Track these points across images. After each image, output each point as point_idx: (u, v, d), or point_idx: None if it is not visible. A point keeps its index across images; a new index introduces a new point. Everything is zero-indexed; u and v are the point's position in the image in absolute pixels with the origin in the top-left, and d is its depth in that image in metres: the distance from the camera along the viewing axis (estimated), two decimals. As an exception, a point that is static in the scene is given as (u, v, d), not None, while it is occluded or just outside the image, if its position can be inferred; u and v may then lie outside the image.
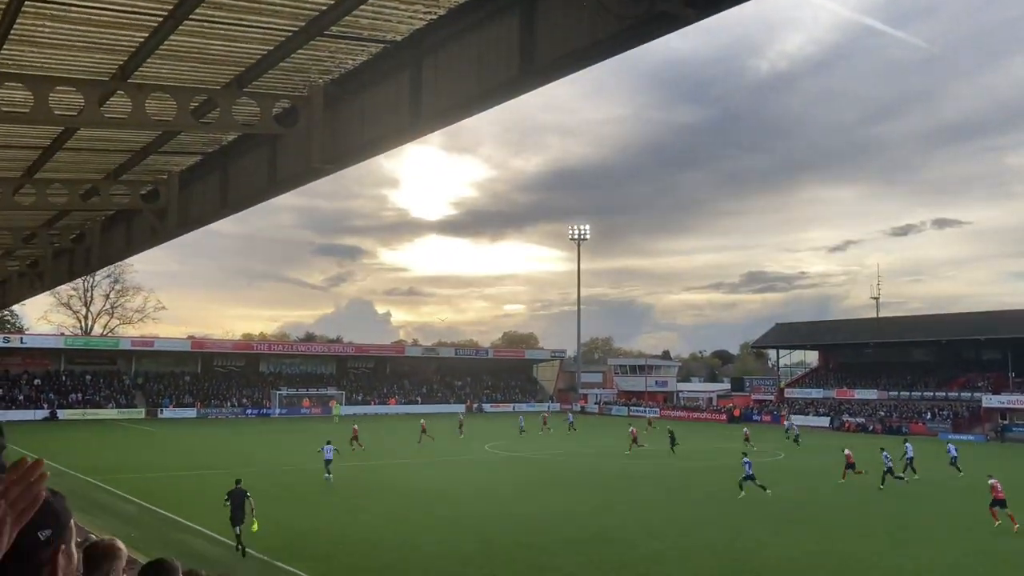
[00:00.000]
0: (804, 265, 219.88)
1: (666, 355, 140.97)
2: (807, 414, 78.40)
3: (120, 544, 3.00)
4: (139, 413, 75.29)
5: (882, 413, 74.04)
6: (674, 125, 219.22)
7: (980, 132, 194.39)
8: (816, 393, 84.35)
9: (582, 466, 40.74)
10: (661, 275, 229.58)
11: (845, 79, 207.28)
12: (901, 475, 34.74)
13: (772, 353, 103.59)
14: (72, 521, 1.94)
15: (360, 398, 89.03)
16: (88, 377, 79.46)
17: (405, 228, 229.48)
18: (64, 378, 78.48)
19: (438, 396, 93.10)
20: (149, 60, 7.61)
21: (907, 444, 37.54)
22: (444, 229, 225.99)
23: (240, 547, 20.18)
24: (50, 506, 1.86)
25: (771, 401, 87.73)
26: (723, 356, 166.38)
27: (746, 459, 32.21)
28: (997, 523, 24.41)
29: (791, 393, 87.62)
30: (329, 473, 33.44)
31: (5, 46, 7.11)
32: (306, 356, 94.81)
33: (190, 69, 7.99)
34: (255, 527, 21.13)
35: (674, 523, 25.21)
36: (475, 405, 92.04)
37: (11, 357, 77.45)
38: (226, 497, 21.13)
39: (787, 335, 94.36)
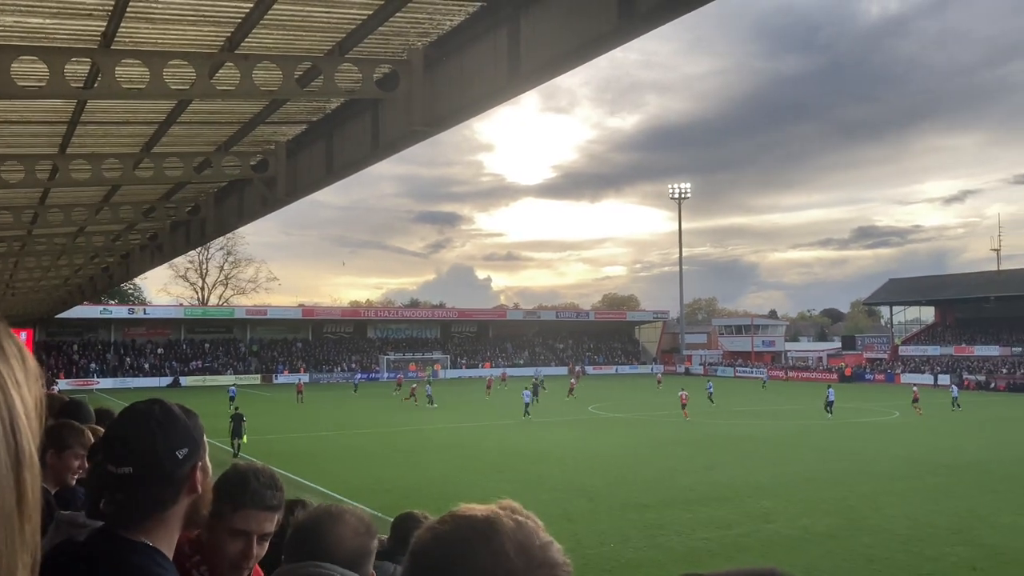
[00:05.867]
0: (918, 218, 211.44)
1: (772, 315, 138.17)
2: (922, 372, 75.61)
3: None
4: (255, 379, 78.63)
5: (1004, 370, 70.73)
6: (779, 76, 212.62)
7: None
8: (933, 350, 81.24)
9: (684, 427, 40.46)
10: (766, 233, 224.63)
11: (964, 17, 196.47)
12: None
13: (885, 310, 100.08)
14: (205, 437, 2.09)
15: (464, 361, 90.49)
16: (207, 345, 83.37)
17: (502, 193, 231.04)
18: (185, 346, 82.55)
19: (541, 359, 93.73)
20: (255, 30, 7.82)
21: (829, 389, 45.62)
22: (541, 192, 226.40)
23: (236, 453, 28.46)
24: (183, 423, 2.00)
25: (884, 360, 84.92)
26: (833, 315, 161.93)
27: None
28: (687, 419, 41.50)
29: (906, 351, 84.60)
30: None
31: (123, 24, 7.42)
32: (412, 321, 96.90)
33: (294, 37, 8.18)
34: (245, 439, 30.17)
35: (782, 482, 24.82)
36: (577, 367, 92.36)
37: (136, 327, 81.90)
38: (230, 420, 30.64)
39: (901, 291, 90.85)
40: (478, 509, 1.16)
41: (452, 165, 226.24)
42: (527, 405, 44.04)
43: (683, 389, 47.25)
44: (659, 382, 70.08)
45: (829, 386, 47.91)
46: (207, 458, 2.07)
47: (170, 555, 1.94)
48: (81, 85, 8.52)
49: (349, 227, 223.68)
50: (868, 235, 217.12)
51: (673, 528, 19.10)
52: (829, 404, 43.97)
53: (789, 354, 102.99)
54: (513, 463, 28.72)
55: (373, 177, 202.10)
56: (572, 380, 66.33)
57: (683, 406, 44.13)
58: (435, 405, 49.82)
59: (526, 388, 47.61)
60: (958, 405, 46.43)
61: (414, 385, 55.59)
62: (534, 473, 26.58)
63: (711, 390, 53.28)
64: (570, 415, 45.95)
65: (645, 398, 56.54)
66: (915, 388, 48.48)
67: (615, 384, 75.09)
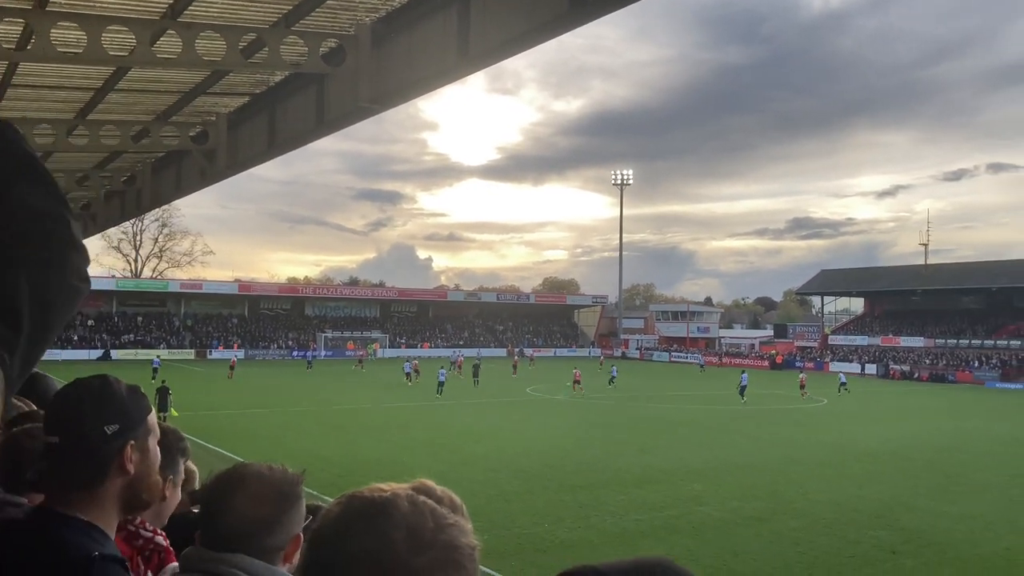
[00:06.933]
0: (852, 211, 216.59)
1: (708, 302, 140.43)
2: (850, 361, 77.75)
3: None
4: (188, 353, 77.10)
5: (928, 361, 73.16)
6: (722, 66, 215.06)
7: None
8: (861, 340, 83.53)
9: (619, 410, 40.99)
10: (704, 221, 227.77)
11: (902, 17, 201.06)
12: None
13: (816, 300, 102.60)
14: (150, 418, 1.99)
15: (403, 341, 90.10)
16: (139, 318, 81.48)
17: (446, 172, 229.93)
18: (116, 319, 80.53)
19: (480, 340, 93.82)
20: (199, -2, 7.65)
21: (743, 374, 47.65)
22: (485, 174, 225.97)
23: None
24: (119, 401, 1.92)
25: (814, 348, 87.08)
26: (766, 303, 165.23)
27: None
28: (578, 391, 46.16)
29: (835, 340, 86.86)
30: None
31: (59, -15, 7.19)
32: (351, 300, 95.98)
33: (239, 7, 8.01)
34: (175, 413, 28.63)
35: (714, 466, 25.35)
36: (516, 349, 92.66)
37: (65, 298, 79.49)
38: (155, 393, 28.90)
39: (832, 282, 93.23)
40: (380, 490, 1.16)
41: (395, 143, 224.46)
42: (441, 384, 45.18)
43: (575, 368, 51.75)
44: (601, 364, 71.98)
45: (743, 371, 49.60)
46: (150, 441, 1.97)
47: (111, 534, 1.89)
48: (13, 46, 8.24)
49: (288, 202, 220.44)
50: (803, 226, 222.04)
51: (606, 509, 19.38)
52: (742, 389, 45.42)
53: (723, 340, 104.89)
54: (451, 442, 28.78)
55: (314, 152, 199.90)
56: (514, 360, 67.71)
57: (576, 383, 47.70)
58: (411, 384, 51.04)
59: (442, 368, 49.21)
60: (847, 390, 49.87)
61: (414, 362, 56.53)
62: (470, 453, 26.68)
63: (615, 374, 54.87)
64: (508, 396, 46.18)
65: (583, 381, 57.05)
66: (802, 375, 51.47)
67: (553, 367, 75.57)
